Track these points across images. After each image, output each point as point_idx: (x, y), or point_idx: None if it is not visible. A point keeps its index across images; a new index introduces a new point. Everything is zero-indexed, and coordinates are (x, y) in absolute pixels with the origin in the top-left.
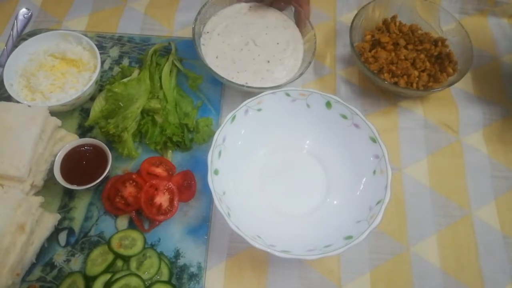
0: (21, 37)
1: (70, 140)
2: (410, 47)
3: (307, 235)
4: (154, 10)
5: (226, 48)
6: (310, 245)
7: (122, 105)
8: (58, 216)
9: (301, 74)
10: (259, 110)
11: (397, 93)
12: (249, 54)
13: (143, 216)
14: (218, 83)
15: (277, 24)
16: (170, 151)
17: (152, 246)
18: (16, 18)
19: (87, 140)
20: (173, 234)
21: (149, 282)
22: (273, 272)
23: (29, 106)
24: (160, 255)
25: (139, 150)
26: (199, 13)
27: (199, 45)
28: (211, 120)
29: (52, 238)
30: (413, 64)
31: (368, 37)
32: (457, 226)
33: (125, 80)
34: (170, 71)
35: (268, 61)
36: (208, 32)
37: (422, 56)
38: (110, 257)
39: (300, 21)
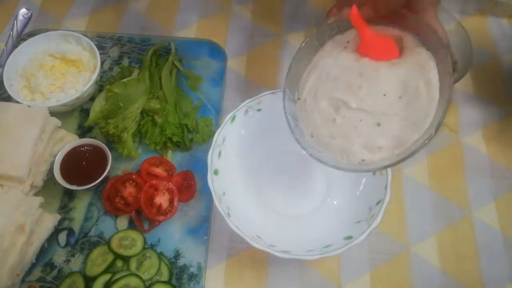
0: (21, 37)
1: (70, 140)
2: None
3: (307, 235)
4: (154, 10)
5: (318, 119)
6: (310, 245)
7: (122, 105)
8: (58, 217)
9: (439, 126)
10: (259, 110)
11: None
12: (347, 122)
13: (143, 216)
14: (218, 83)
15: (377, 63)
16: (170, 151)
17: (152, 247)
18: (16, 18)
19: (87, 140)
20: (173, 234)
21: (149, 282)
22: (273, 272)
23: (29, 106)
24: (160, 255)
25: (139, 150)
26: (287, 75)
27: (295, 123)
28: (211, 120)
29: (52, 238)
30: None
31: None
32: (457, 226)
33: (125, 80)
34: (170, 71)
35: (379, 124)
36: (299, 99)
37: None
38: (110, 257)
39: (427, 36)
